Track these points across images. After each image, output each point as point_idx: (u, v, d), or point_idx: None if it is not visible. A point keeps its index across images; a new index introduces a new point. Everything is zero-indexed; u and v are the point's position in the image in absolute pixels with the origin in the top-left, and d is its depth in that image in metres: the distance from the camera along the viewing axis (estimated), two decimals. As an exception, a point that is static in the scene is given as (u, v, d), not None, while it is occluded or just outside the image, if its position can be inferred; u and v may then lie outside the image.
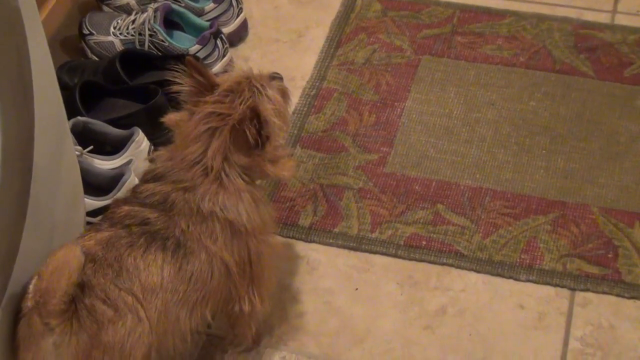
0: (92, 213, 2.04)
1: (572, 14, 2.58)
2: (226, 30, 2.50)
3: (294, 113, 2.37)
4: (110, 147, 2.17)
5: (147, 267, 1.56)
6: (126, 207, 1.63)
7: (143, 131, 2.18)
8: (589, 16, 2.59)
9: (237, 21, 2.53)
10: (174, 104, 2.19)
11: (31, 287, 1.48)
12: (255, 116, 1.59)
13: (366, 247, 2.08)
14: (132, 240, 1.57)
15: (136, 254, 1.56)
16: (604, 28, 2.54)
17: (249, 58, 2.52)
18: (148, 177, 1.68)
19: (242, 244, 1.66)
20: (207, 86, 1.67)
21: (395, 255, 2.06)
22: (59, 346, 1.47)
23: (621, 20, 2.57)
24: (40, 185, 1.61)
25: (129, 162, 2.12)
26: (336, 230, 2.10)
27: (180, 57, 2.27)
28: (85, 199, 2.02)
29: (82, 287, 1.51)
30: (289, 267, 2.05)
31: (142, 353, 1.55)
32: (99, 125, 2.17)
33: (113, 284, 1.53)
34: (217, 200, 1.62)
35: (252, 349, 1.91)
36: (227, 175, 1.63)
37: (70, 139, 1.79)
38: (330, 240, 2.09)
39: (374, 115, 2.36)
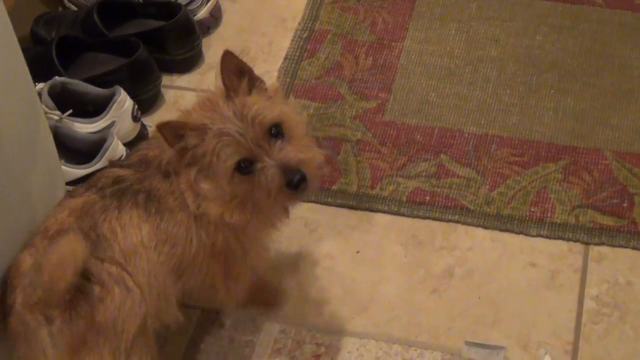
0: (76, 182, 1.91)
1: None
2: (211, -29, 2.34)
3: (285, 59, 2.23)
4: (93, 107, 2.04)
5: (123, 228, 1.47)
6: (103, 171, 1.56)
7: (126, 88, 2.05)
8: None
9: (222, -41, 2.37)
10: (156, 58, 2.08)
11: (26, 280, 1.41)
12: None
13: (366, 205, 1.96)
14: (105, 203, 1.49)
15: (111, 217, 1.47)
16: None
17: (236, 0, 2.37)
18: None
19: (212, 230, 1.54)
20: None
21: (397, 213, 1.95)
22: (54, 335, 1.40)
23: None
24: (9, 157, 1.49)
25: (111, 125, 2.00)
26: (334, 187, 1.99)
27: (161, 5, 2.13)
28: (67, 168, 1.91)
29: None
30: (285, 231, 1.92)
31: (136, 325, 1.48)
32: (79, 85, 2.04)
33: (93, 256, 1.44)
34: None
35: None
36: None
37: (39, 104, 1.64)
38: (329, 199, 1.98)
39: (371, 58, 2.22)
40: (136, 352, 1.49)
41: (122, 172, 1.53)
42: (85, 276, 1.42)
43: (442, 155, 2.02)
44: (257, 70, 2.08)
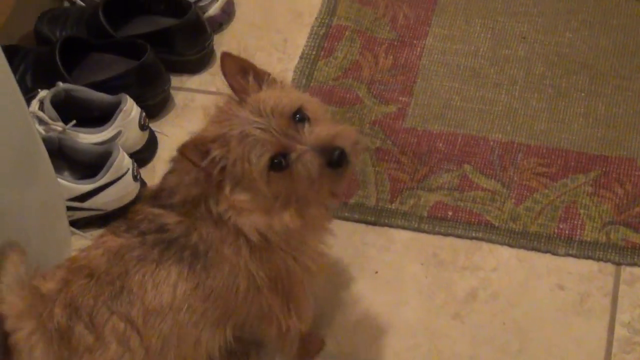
0: (80, 198, 1.83)
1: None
2: (223, -35, 2.22)
3: (301, 58, 2.12)
4: (98, 113, 1.95)
5: (156, 286, 1.37)
6: (149, 209, 1.42)
7: (133, 93, 1.96)
8: None
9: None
10: (165, 59, 1.98)
11: None
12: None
13: (386, 221, 1.87)
14: (144, 252, 1.38)
15: (146, 270, 1.37)
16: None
17: (251, -7, 2.26)
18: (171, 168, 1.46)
19: (268, 257, 1.43)
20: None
21: (417, 229, 1.86)
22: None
23: None
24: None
25: (117, 135, 1.90)
26: (352, 201, 1.89)
27: (170, 1, 2.02)
28: (70, 184, 1.82)
29: (65, 305, 1.36)
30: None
31: None
32: (83, 91, 1.95)
33: (105, 306, 1.36)
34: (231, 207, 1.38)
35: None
36: None
37: (32, 124, 1.55)
38: (346, 214, 1.88)
39: (391, 57, 2.11)
40: None
41: (166, 218, 1.40)
42: (84, 320, 1.36)
43: (465, 166, 1.92)
44: (272, 70, 1.98)
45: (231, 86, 1.37)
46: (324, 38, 2.15)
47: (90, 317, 1.35)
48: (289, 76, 2.10)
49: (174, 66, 2.09)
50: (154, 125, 2.03)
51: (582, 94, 2.00)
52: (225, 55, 1.37)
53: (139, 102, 1.96)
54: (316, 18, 2.19)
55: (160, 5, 2.12)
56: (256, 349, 1.71)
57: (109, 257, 1.38)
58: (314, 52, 2.12)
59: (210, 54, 2.14)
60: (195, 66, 2.13)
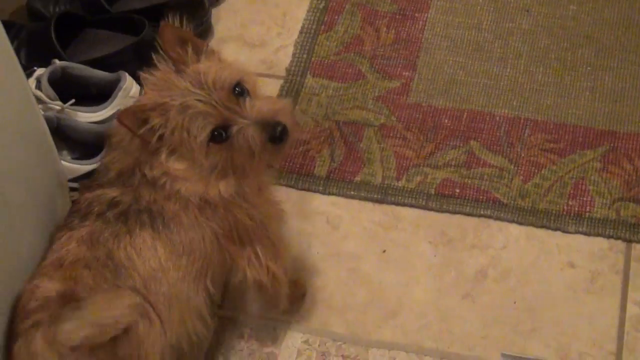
0: (82, 178, 1.78)
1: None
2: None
3: (301, 33, 2.08)
4: (96, 91, 1.90)
5: (139, 254, 1.39)
6: (87, 194, 1.44)
7: (131, 69, 1.90)
8: None
9: None
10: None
11: (46, 315, 1.31)
12: None
13: (392, 199, 1.83)
14: (114, 229, 1.40)
15: (125, 243, 1.39)
16: None
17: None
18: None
19: (214, 212, 1.44)
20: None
21: (425, 207, 1.82)
22: None
23: None
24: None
25: (116, 113, 1.84)
26: (357, 179, 1.86)
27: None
28: (71, 164, 1.78)
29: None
30: (307, 228, 1.81)
31: (157, 357, 1.39)
32: (81, 69, 1.90)
33: (116, 285, 1.37)
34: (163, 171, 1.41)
35: (292, 310, 1.72)
36: None
37: (33, 101, 1.51)
38: (352, 192, 1.85)
39: (393, 31, 2.07)
40: None
41: (111, 192, 1.42)
42: None
43: (472, 142, 1.89)
44: (271, 45, 1.95)
45: (169, 56, 1.38)
46: (324, 11, 2.11)
47: None
48: (290, 51, 2.05)
49: (172, 42, 2.03)
50: (152, 103, 1.98)
51: (588, 68, 1.97)
52: (164, 26, 1.39)
53: (136, 79, 1.90)
54: (315, -9, 2.14)
55: (156, -23, 2.07)
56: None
57: (86, 245, 1.38)
58: (314, 26, 2.08)
59: (208, 29, 2.09)
60: (194, 41, 2.06)
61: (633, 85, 1.94)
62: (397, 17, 2.09)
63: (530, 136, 1.88)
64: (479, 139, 1.89)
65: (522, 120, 1.91)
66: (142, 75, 1.41)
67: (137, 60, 1.94)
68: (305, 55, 2.03)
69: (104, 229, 1.39)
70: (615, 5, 2.06)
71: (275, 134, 1.35)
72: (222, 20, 2.12)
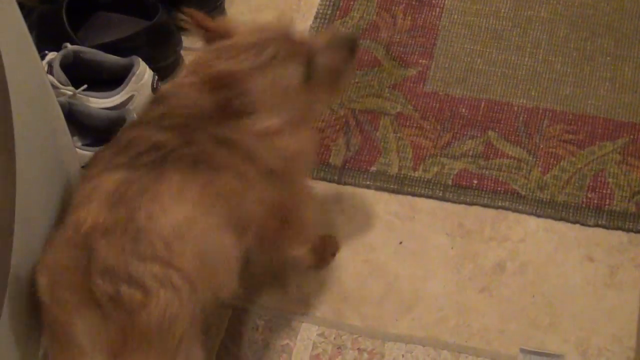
0: (92, 165, 1.75)
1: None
2: None
3: (316, 18, 2.04)
4: (107, 76, 1.87)
5: (163, 208, 1.28)
6: (132, 131, 1.37)
7: (144, 55, 1.87)
8: None
9: None
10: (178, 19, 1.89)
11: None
12: None
13: (409, 189, 1.81)
14: (142, 183, 1.29)
15: (149, 200, 1.28)
16: None
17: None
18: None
19: (272, 179, 1.40)
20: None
21: (442, 199, 1.80)
22: (92, 335, 1.26)
23: None
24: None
25: (129, 99, 1.82)
26: (373, 169, 1.83)
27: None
28: (82, 151, 1.75)
29: (102, 272, 1.26)
30: (322, 218, 1.78)
31: (184, 323, 1.30)
32: (94, 53, 1.87)
33: (134, 255, 1.26)
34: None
35: (322, 267, 1.73)
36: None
37: (47, 84, 1.47)
38: (368, 182, 1.82)
39: (410, 18, 2.03)
40: (184, 348, 1.33)
41: (157, 136, 1.34)
42: (124, 279, 1.26)
43: (489, 132, 1.86)
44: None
45: (211, 28, 1.42)
46: (339, -4, 2.07)
47: (128, 273, 1.26)
48: (305, 34, 2.02)
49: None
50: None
51: (608, 58, 1.94)
52: (191, 11, 1.43)
53: (149, 64, 1.88)
54: (331, -24, 2.10)
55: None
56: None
57: (109, 206, 1.29)
58: (329, 12, 2.05)
59: (222, 12, 2.06)
60: (207, 25, 2.03)
61: (653, 75, 1.90)
62: (414, 3, 2.06)
63: (549, 127, 1.86)
64: (496, 129, 1.86)
65: (540, 111, 1.88)
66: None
67: (151, 45, 1.91)
68: (320, 42, 1.99)
69: (132, 182, 1.30)
70: (636, -6, 2.02)
71: (351, 41, 1.45)
72: (236, 4, 2.08)
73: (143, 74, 1.83)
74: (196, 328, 1.35)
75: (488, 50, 1.97)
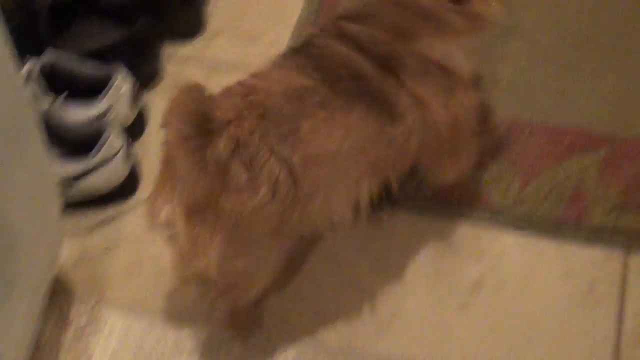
0: (72, 178, 1.75)
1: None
2: None
3: (298, 23, 2.03)
4: (85, 86, 1.86)
5: (329, 133, 1.36)
6: (338, 46, 1.41)
7: (126, 62, 1.85)
8: None
9: None
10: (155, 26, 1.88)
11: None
12: None
13: (387, 202, 1.79)
14: (328, 98, 1.36)
15: (322, 116, 1.36)
16: None
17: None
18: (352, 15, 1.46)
19: (458, 99, 1.49)
20: None
21: (421, 211, 1.78)
22: (185, 179, 1.33)
23: None
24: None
25: (109, 109, 1.81)
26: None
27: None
28: (61, 162, 1.74)
29: (230, 140, 1.32)
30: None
31: (264, 229, 1.38)
32: (72, 62, 1.85)
33: (267, 147, 1.33)
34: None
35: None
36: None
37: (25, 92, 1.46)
38: (346, 195, 1.80)
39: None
40: (252, 252, 1.41)
41: (366, 67, 1.39)
42: (244, 159, 1.32)
43: (470, 143, 1.85)
44: (266, 38, 1.91)
45: None
46: (320, 4, 2.06)
47: (251, 156, 1.32)
48: (285, 42, 2.01)
49: (165, 34, 1.99)
50: (144, 97, 1.94)
51: (589, 69, 1.93)
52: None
53: (130, 72, 1.87)
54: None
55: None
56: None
57: (287, 98, 1.35)
58: (312, 18, 2.03)
59: (203, 20, 2.04)
60: (187, 33, 2.03)
61: (634, 87, 1.91)
62: (396, 11, 2.03)
63: (529, 139, 1.85)
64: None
65: (520, 122, 1.87)
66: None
67: (132, 53, 1.90)
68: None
69: (320, 93, 1.37)
70: (616, 5, 2.01)
71: None
72: (218, 10, 2.08)
73: (123, 83, 1.82)
74: (278, 242, 1.43)
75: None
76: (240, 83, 1.40)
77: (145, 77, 1.94)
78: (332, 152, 1.36)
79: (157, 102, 1.95)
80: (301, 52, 1.44)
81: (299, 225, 1.41)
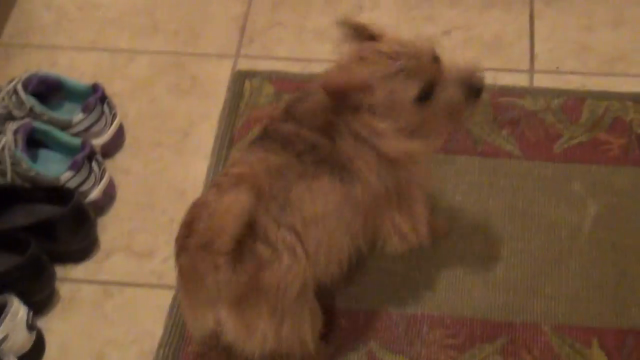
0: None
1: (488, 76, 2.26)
2: (100, 141, 2.16)
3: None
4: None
5: (312, 198, 1.55)
6: (289, 126, 1.59)
7: (17, 290, 1.84)
8: (507, 78, 2.29)
9: (112, 129, 2.19)
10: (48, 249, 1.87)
11: (201, 224, 1.49)
12: None
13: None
14: (304, 169, 1.56)
15: (304, 185, 1.55)
16: (524, 93, 2.27)
17: (129, 170, 2.19)
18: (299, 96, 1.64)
19: (392, 170, 1.62)
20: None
21: None
22: (220, 283, 1.47)
23: (541, 80, 2.30)
24: None
25: (4, 339, 1.78)
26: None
27: (51, 190, 1.93)
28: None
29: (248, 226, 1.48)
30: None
31: (296, 289, 1.54)
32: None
33: (274, 221, 1.51)
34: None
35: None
36: None
37: None
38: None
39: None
40: (292, 312, 1.55)
41: (313, 137, 1.57)
42: (260, 237, 1.49)
43: (371, 342, 1.87)
44: (160, 255, 1.92)
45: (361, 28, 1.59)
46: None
47: (265, 232, 1.49)
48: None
49: (57, 257, 1.99)
50: (40, 322, 1.92)
51: (478, 259, 1.99)
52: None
53: (23, 299, 1.85)
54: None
55: (39, 192, 2.03)
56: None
57: (271, 175, 1.53)
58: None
59: (95, 241, 2.05)
60: (80, 255, 2.03)
61: (524, 274, 1.97)
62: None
63: (429, 333, 1.88)
64: (377, 339, 1.87)
65: (418, 316, 1.91)
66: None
67: (24, 280, 1.89)
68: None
69: (295, 167, 1.55)
70: (499, 193, 2.09)
71: (475, 89, 1.56)
72: (108, 230, 2.08)
73: (17, 312, 1.80)
74: (307, 297, 1.59)
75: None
76: (225, 174, 1.58)
77: (41, 302, 1.92)
78: (320, 214, 1.55)
79: (54, 325, 1.92)
80: (263, 138, 1.62)
81: (314, 280, 1.59)
